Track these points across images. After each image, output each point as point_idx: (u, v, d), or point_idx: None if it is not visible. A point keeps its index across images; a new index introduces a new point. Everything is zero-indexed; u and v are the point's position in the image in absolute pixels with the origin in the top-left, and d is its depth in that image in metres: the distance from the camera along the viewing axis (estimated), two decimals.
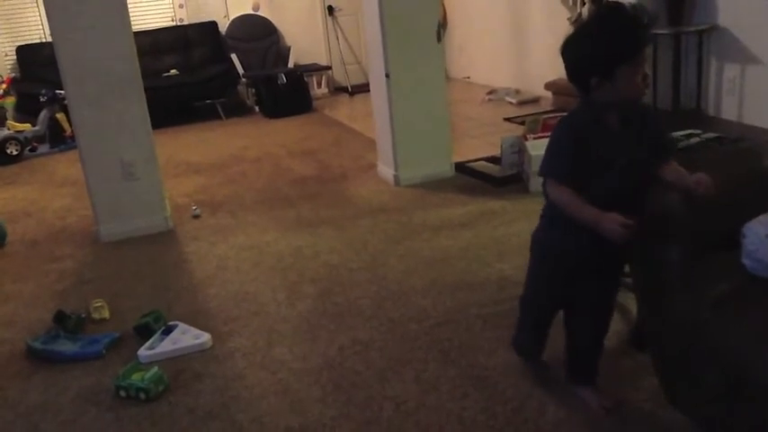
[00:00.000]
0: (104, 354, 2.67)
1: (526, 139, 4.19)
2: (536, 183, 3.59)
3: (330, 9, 8.67)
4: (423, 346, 2.53)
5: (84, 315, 2.95)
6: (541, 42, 6.79)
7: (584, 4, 5.89)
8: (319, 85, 8.66)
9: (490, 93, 7.10)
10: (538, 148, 3.88)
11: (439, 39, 4.33)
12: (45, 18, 8.22)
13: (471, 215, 3.86)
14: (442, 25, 4.38)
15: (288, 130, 6.90)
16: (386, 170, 4.61)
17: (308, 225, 3.97)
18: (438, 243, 3.49)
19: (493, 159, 4.56)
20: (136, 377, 2.34)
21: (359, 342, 2.60)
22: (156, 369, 2.38)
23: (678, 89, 5.28)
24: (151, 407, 2.30)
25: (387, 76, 4.27)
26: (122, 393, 2.33)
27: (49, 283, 3.51)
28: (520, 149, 4.20)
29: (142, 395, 2.30)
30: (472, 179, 4.46)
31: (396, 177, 4.47)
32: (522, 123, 4.99)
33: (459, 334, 2.58)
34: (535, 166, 3.78)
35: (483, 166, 4.54)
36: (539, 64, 6.85)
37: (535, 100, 6.72)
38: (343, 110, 7.65)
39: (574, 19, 5.94)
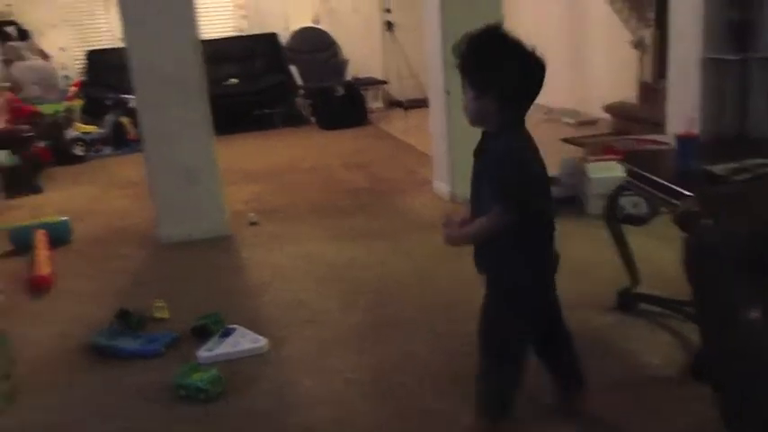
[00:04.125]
0: (164, 352, 2.74)
1: (586, 162, 4.15)
2: (596, 205, 3.55)
3: (389, 24, 8.76)
4: (472, 363, 2.52)
5: (145, 314, 3.03)
6: (602, 64, 6.72)
7: (649, 26, 5.82)
8: (375, 98, 8.74)
9: (547, 113, 7.05)
10: (598, 170, 3.85)
11: None
12: (115, 24, 8.57)
13: None
14: None
15: (342, 141, 6.98)
16: (441, 186, 4.63)
17: (361, 236, 4.01)
18: None
19: (550, 180, 4.52)
20: (195, 377, 2.39)
21: (409, 355, 2.61)
22: (215, 371, 2.44)
23: (745, 118, 5.14)
24: (207, 407, 2.35)
25: (447, 92, 4.29)
26: (182, 392, 2.39)
27: (111, 282, 3.63)
28: (578, 171, 4.16)
29: (201, 395, 2.35)
30: None
31: (451, 194, 4.48)
32: (582, 145, 4.95)
33: None
34: (595, 188, 3.75)
35: None
36: (598, 85, 6.78)
37: (593, 122, 6.64)
38: (398, 124, 7.70)
39: (637, 42, 5.87)
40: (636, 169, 2.60)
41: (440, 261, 3.52)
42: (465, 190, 4.32)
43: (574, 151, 5.26)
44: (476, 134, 4.34)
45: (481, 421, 2.03)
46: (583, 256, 3.44)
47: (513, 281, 1.96)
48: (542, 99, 6.22)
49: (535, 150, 1.95)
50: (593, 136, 5.67)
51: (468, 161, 4.33)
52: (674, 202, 2.24)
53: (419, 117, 7.79)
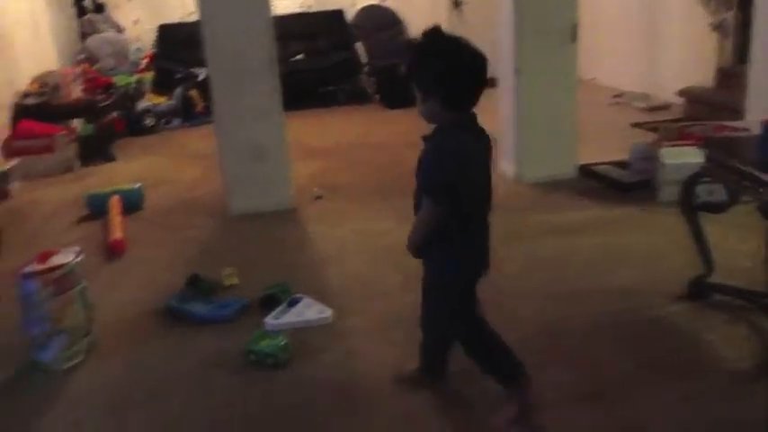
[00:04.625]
0: (233, 318, 2.82)
1: (660, 147, 4.04)
2: (669, 192, 3.46)
3: (456, 2, 8.65)
4: (534, 346, 2.51)
5: (215, 281, 3.12)
6: (677, 47, 6.50)
7: (730, 9, 5.59)
8: None
9: (617, 96, 6.88)
10: (673, 156, 3.75)
11: (573, 38, 4.25)
12: None
13: (592, 220, 3.78)
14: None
15: (406, 120, 6.95)
16: (506, 166, 4.58)
17: None
18: (554, 246, 3.44)
19: (619, 164, 4.43)
20: (264, 344, 2.46)
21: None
22: (284, 338, 2.50)
23: None
24: (275, 373, 2.42)
25: (517, 71, 4.24)
26: (252, 357, 2.46)
27: (182, 249, 3.74)
28: (651, 156, 4.06)
29: (270, 361, 2.42)
30: (595, 183, 4.36)
31: (516, 174, 4.44)
32: (654, 130, 4.82)
33: (572, 339, 2.56)
34: (670, 174, 3.65)
35: (608, 170, 4.42)
36: (672, 69, 6.56)
37: (666, 106, 6.44)
38: None
39: (717, 24, 5.65)
40: (716, 155, 2.53)
41: (503, 244, 3.47)
42: (531, 171, 4.36)
43: (643, 136, 5.14)
44: (545, 115, 4.33)
45: (417, 371, 2.29)
46: (654, 243, 3.37)
47: (437, 274, 2.11)
48: (612, 81, 6.12)
49: (480, 151, 2.04)
50: (665, 121, 5.51)
51: (537, 141, 4.35)
52: (760, 190, 2.16)
53: (485, 97, 7.64)
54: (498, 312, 2.75)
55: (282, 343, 2.47)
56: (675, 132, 4.18)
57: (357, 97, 8.16)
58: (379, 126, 6.77)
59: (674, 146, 3.93)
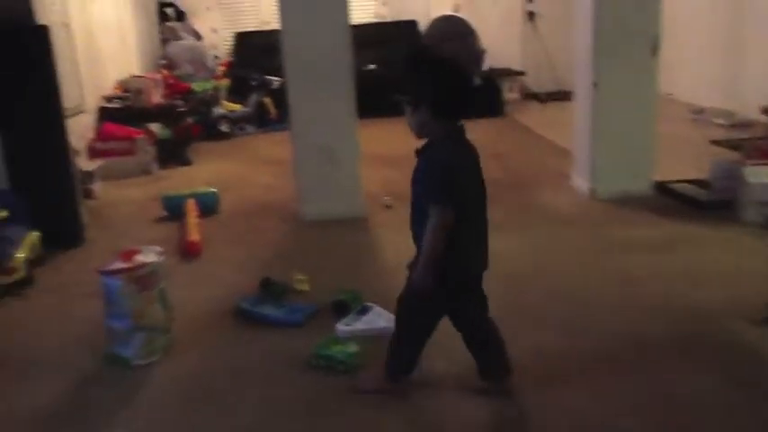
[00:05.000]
0: (304, 323, 2.86)
1: (744, 166, 3.89)
2: (754, 212, 3.33)
3: (531, 14, 8.58)
4: (607, 363, 2.47)
5: (287, 285, 3.18)
6: (762, 63, 6.26)
7: None
8: (511, 90, 8.61)
9: (696, 112, 6.67)
10: (759, 175, 3.61)
11: (654, 51, 4.15)
12: (263, 8, 8.95)
13: (668, 238, 3.67)
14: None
15: (476, 131, 6.79)
16: (579, 181, 4.51)
17: (494, 227, 3.83)
18: (629, 263, 3.36)
19: (698, 182, 4.30)
20: (336, 349, 2.49)
21: (541, 348, 2.58)
22: (355, 345, 2.52)
23: None
24: (342, 379, 2.43)
25: (594, 85, 4.17)
26: (321, 362, 2.49)
27: (255, 252, 3.82)
28: (733, 175, 3.92)
29: (341, 367, 2.44)
30: (672, 200, 4.23)
31: (590, 190, 4.36)
32: (735, 148, 4.65)
33: (647, 357, 2.49)
34: (754, 194, 3.51)
35: (686, 188, 4.29)
36: (756, 85, 6.32)
37: (748, 124, 6.20)
38: (534, 116, 7.55)
39: None
40: None
41: (575, 259, 3.44)
42: (606, 187, 4.27)
43: (723, 154, 4.97)
44: (622, 130, 4.24)
45: (384, 376, 2.30)
46: (735, 264, 3.26)
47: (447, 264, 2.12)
48: (690, 97, 5.94)
49: (470, 162, 2.16)
50: (749, 139, 5.30)
51: (612, 157, 4.26)
52: None
53: (556, 110, 7.63)
54: (571, 326, 2.73)
55: (354, 350, 2.49)
56: (760, 150, 4.02)
57: None
58: None
59: (758, 164, 3.78)
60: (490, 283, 3.12)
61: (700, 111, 6.71)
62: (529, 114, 7.71)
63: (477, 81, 7.63)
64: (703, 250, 3.46)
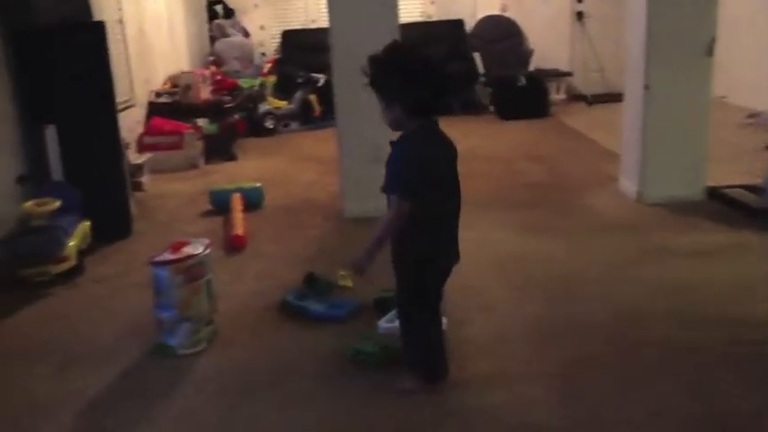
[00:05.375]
0: (346, 318, 2.87)
1: None
2: None
3: (579, 14, 8.45)
4: (659, 374, 2.41)
5: (330, 281, 3.19)
6: None
7: None
8: (557, 90, 8.50)
9: (752, 116, 6.49)
10: None
11: (709, 53, 4.05)
12: (310, 7, 9.02)
13: (720, 245, 3.57)
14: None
15: (522, 132, 6.87)
16: (627, 185, 4.42)
17: (539, 230, 3.94)
18: (680, 270, 3.28)
19: (752, 189, 4.18)
20: (370, 345, 2.52)
21: (592, 357, 2.54)
22: (385, 341, 2.56)
23: None
24: (383, 376, 2.43)
25: (646, 87, 4.08)
26: (359, 357, 2.53)
27: (298, 247, 3.85)
28: None
29: (372, 360, 2.49)
30: (724, 206, 4.12)
31: (638, 194, 4.27)
32: None
33: (700, 369, 2.42)
34: None
35: (740, 194, 4.17)
36: None
37: None
38: (581, 118, 7.43)
39: None
40: None
41: (622, 265, 3.38)
42: (655, 191, 4.18)
43: None
44: (674, 133, 4.14)
45: (412, 380, 2.32)
46: None
47: (409, 257, 2.23)
48: (745, 100, 5.76)
49: (440, 155, 2.23)
50: None
51: (663, 160, 4.17)
52: None
53: (603, 112, 7.50)
54: (621, 335, 2.68)
55: (384, 345, 2.53)
56: None
57: (471, 107, 8.12)
58: (494, 137, 6.71)
59: None
60: (536, 288, 3.11)
61: (755, 114, 6.52)
62: (575, 116, 7.60)
63: (523, 81, 7.58)
64: (757, 259, 3.37)
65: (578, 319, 2.83)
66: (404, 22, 8.49)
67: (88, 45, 3.92)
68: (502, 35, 8.53)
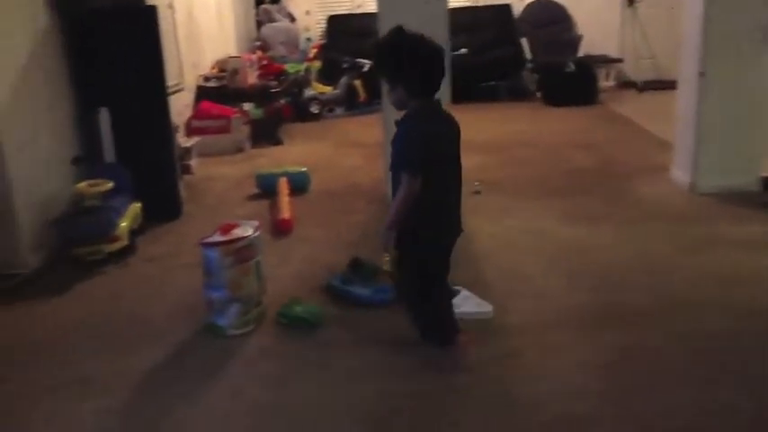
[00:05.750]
0: (391, 303, 2.88)
1: None
2: None
3: (631, 0, 8.25)
4: (707, 365, 2.36)
5: (375, 265, 3.20)
6: None
7: None
8: (607, 77, 8.33)
9: None
10: None
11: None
12: None
13: None
14: None
15: (569, 119, 6.76)
16: (680, 174, 4.32)
17: (587, 219, 3.88)
18: (733, 261, 3.20)
19: None
20: (298, 309, 2.79)
21: (641, 347, 2.50)
22: (315, 305, 2.87)
23: None
24: (433, 359, 2.44)
25: (701, 74, 3.97)
26: (283, 320, 2.78)
27: (343, 231, 3.87)
28: None
29: (305, 324, 2.73)
30: None
31: (691, 183, 4.17)
32: None
33: (748, 362, 2.37)
34: None
35: None
36: None
37: None
38: (631, 105, 7.27)
39: None
40: None
41: (673, 254, 3.31)
42: (708, 181, 4.08)
43: None
44: (729, 122, 4.03)
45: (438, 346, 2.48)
46: None
47: (413, 233, 2.31)
48: None
49: (443, 132, 2.36)
50: None
51: (717, 150, 4.06)
52: None
53: (654, 99, 7.34)
54: (672, 326, 2.63)
55: (315, 308, 2.79)
56: None
57: (518, 93, 8.04)
58: (541, 124, 6.63)
59: None
60: (583, 276, 3.07)
61: None
62: (625, 103, 7.44)
63: (571, 67, 7.44)
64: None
65: (625, 308, 2.79)
66: (451, 7, 8.44)
67: (141, 29, 3.99)
68: (550, 20, 8.39)
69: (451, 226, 2.44)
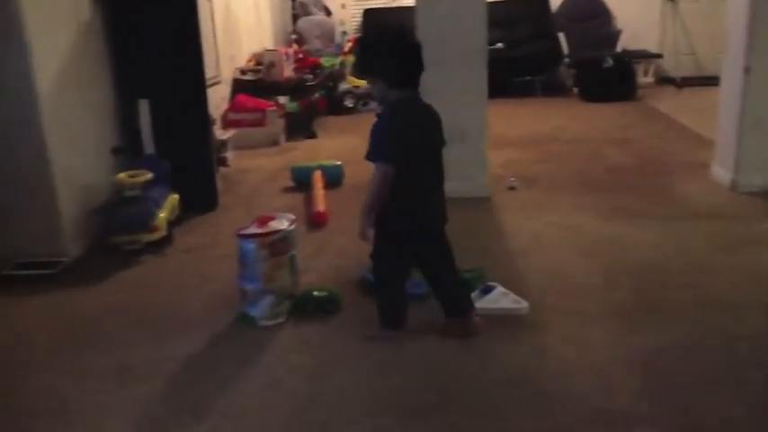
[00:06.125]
0: (426, 296, 2.87)
1: None
2: None
3: None
4: (749, 367, 2.31)
5: None
6: None
7: None
8: (645, 73, 8.19)
9: None
10: None
11: None
12: None
13: None
14: None
15: (606, 115, 6.67)
16: (721, 172, 4.23)
17: (626, 216, 3.82)
18: None
19: None
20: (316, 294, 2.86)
21: (680, 346, 2.46)
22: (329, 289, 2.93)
23: None
24: (466, 352, 2.43)
25: (746, 70, 3.88)
26: (308, 308, 2.82)
27: None
28: None
29: (330, 307, 2.81)
30: None
31: (732, 181, 4.09)
32: None
33: None
34: None
35: None
36: None
37: None
38: (670, 102, 7.15)
39: None
40: None
41: (713, 253, 3.24)
42: (750, 179, 3.99)
43: None
44: None
45: (380, 330, 2.59)
46: None
47: (384, 214, 2.43)
48: None
49: (421, 123, 2.44)
50: None
51: (762, 148, 3.97)
52: None
53: (693, 96, 7.21)
54: (706, 326, 2.58)
55: (328, 293, 2.84)
56: None
57: (553, 89, 7.95)
58: (577, 120, 6.54)
59: None
60: (622, 274, 3.03)
61: None
62: (664, 99, 7.31)
63: (609, 63, 7.34)
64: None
65: (665, 307, 2.74)
66: (488, 0, 8.35)
67: (181, 21, 4.03)
68: (588, 14, 8.28)
69: (428, 215, 2.51)
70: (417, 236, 2.50)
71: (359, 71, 2.64)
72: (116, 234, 3.56)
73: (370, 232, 2.46)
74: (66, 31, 3.65)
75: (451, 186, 4.13)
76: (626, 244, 3.41)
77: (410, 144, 2.38)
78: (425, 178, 2.47)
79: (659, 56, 8.11)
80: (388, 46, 2.42)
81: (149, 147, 4.02)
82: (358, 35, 8.64)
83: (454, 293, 2.59)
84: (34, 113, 3.33)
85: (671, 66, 8.17)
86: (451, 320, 2.57)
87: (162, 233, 3.62)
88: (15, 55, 3.26)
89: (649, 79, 8.18)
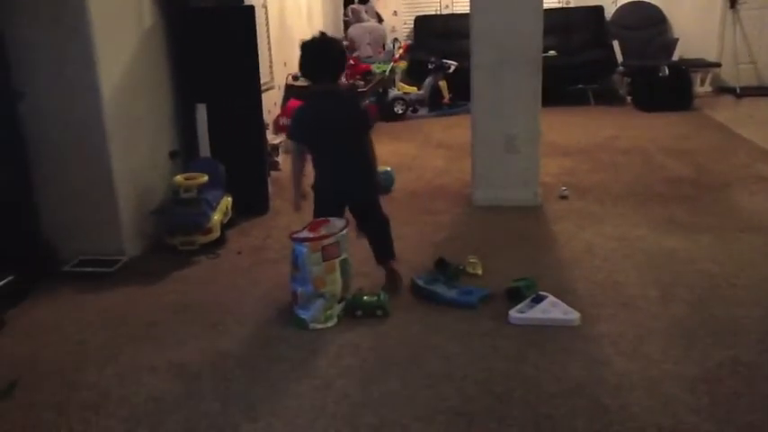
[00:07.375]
0: (477, 306, 2.86)
1: None
2: None
3: (733, 1, 7.88)
4: None
5: (461, 267, 3.19)
6: None
7: None
8: (702, 82, 8.00)
9: None
10: None
11: None
12: None
13: None
14: None
15: (662, 125, 6.53)
16: None
17: (683, 228, 3.73)
18: None
19: None
20: (367, 299, 2.89)
21: (741, 363, 2.38)
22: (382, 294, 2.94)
23: None
24: (515, 366, 2.41)
25: None
26: (359, 313, 2.86)
27: (428, 233, 3.87)
28: None
29: (379, 312, 2.84)
30: None
31: None
32: None
33: None
34: None
35: None
36: None
37: None
38: (727, 112, 6.95)
39: None
40: None
41: None
42: None
43: None
44: None
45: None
46: None
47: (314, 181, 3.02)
48: None
49: (323, 110, 2.89)
50: None
51: None
52: None
53: (753, 106, 7.02)
54: (766, 340, 2.51)
55: (378, 298, 2.88)
56: None
57: (607, 98, 7.83)
58: (632, 129, 6.42)
59: None
60: (679, 287, 2.96)
61: None
62: (722, 110, 7.11)
63: (665, 72, 7.19)
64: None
65: (725, 322, 2.67)
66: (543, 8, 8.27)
67: (239, 28, 4.11)
68: (644, 22, 8.14)
69: (331, 182, 2.98)
70: (334, 195, 2.99)
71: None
72: (172, 235, 3.64)
73: (300, 201, 3.05)
74: (130, 36, 3.75)
75: (503, 194, 4.18)
76: (683, 257, 3.34)
77: (310, 126, 2.88)
78: (329, 153, 2.93)
79: (717, 65, 7.90)
80: (302, 48, 2.90)
81: (205, 150, 4.11)
82: (409, 42, 8.69)
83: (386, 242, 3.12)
84: (97, 116, 3.44)
85: (729, 75, 7.95)
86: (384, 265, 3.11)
87: (216, 235, 3.69)
88: (81, 60, 3.37)
89: (707, 89, 7.98)
